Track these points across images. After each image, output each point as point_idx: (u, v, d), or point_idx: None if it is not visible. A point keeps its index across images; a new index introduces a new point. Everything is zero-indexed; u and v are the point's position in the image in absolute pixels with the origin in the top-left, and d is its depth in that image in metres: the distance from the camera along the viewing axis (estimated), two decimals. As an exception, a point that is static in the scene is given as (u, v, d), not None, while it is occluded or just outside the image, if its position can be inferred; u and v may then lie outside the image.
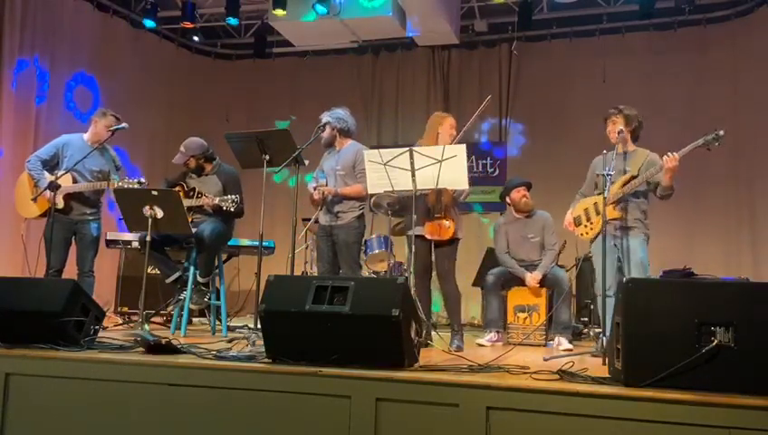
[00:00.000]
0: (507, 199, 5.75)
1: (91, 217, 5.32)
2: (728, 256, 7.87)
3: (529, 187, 5.71)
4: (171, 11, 9.00)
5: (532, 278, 5.36)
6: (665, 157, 4.24)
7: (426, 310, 4.76)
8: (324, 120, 4.98)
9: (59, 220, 5.11)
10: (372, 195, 4.93)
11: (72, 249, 5.32)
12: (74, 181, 5.20)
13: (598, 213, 4.53)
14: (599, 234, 4.45)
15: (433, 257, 4.75)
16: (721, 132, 4.15)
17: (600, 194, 4.52)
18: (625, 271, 4.45)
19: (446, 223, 4.60)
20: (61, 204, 5.12)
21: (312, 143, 4.92)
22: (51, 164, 5.28)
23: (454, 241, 4.72)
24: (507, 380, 2.87)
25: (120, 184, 5.14)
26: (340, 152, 4.97)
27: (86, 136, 5.37)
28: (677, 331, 2.68)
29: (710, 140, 4.17)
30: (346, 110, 5.05)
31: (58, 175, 5.08)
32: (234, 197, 4.91)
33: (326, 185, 4.89)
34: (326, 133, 4.96)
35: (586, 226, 4.68)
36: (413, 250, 4.58)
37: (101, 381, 3.19)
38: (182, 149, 5.24)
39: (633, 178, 4.44)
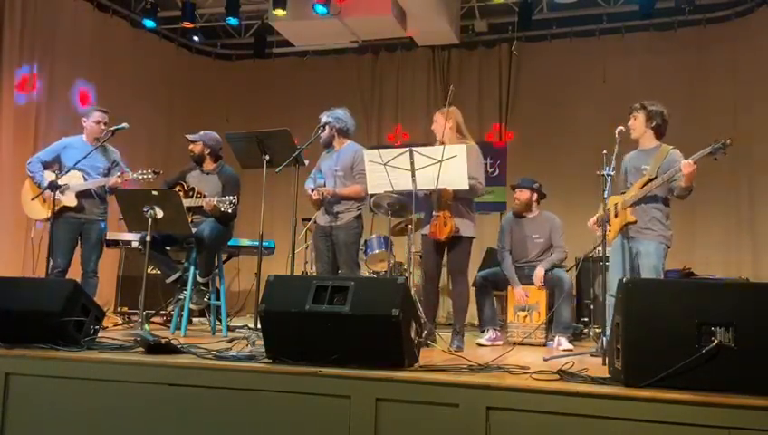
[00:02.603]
0: None
1: (99, 217, 5.36)
2: (728, 256, 7.87)
3: (532, 190, 5.66)
4: (171, 11, 9.00)
5: (519, 294, 5.42)
6: (682, 162, 4.19)
7: (433, 311, 4.76)
8: (324, 121, 4.99)
9: (67, 220, 5.17)
10: (372, 195, 4.93)
11: (77, 250, 5.33)
12: (84, 180, 5.24)
13: (616, 214, 4.51)
14: (616, 235, 4.44)
15: (445, 259, 4.73)
16: (728, 141, 4.11)
17: (622, 193, 4.52)
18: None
19: (444, 221, 4.57)
20: (74, 202, 5.16)
21: (311, 143, 4.93)
22: (53, 167, 5.31)
23: (462, 240, 4.66)
24: (507, 380, 2.87)
25: (135, 175, 5.22)
26: (339, 153, 4.98)
27: (84, 137, 5.42)
28: (677, 331, 2.68)
29: (717, 149, 4.14)
30: (345, 110, 5.06)
31: (59, 175, 5.11)
32: (231, 198, 4.92)
33: (324, 185, 4.90)
34: (325, 133, 4.97)
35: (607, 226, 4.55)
36: (416, 250, 4.57)
37: (101, 381, 3.19)
38: (200, 133, 5.36)
39: (651, 180, 4.38)
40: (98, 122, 5.37)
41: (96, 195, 5.32)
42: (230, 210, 4.93)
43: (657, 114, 4.52)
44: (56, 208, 5.08)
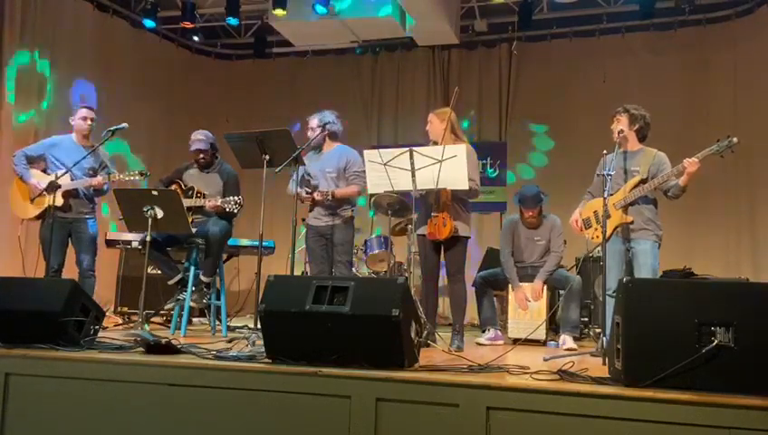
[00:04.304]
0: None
1: (87, 216, 5.35)
2: (728, 256, 7.86)
3: (540, 208, 5.57)
4: (171, 11, 9.00)
5: (519, 298, 5.40)
6: (686, 161, 4.18)
7: (432, 311, 4.76)
8: (322, 121, 5.04)
9: (55, 220, 5.12)
10: (372, 195, 4.96)
11: (71, 250, 5.32)
12: (72, 180, 5.23)
13: (608, 216, 4.51)
14: (609, 237, 4.43)
15: (443, 258, 4.74)
16: (735, 139, 4.10)
17: (610, 195, 4.52)
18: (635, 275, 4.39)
19: (443, 221, 4.56)
20: (60, 202, 5.15)
21: (312, 143, 4.96)
22: (37, 163, 5.30)
23: (460, 240, 4.67)
24: (507, 380, 2.87)
25: (121, 176, 5.23)
26: (328, 154, 5.05)
27: (73, 136, 5.43)
28: (677, 331, 2.68)
29: (723, 147, 4.12)
30: (333, 113, 5.12)
31: (58, 175, 5.11)
32: (236, 198, 4.93)
33: (318, 187, 4.97)
34: (319, 136, 5.02)
35: (596, 228, 4.56)
36: (416, 250, 4.57)
37: (101, 381, 3.19)
38: (200, 136, 5.28)
39: (643, 181, 4.40)
40: (84, 119, 5.39)
41: (83, 195, 5.33)
42: (236, 210, 4.94)
43: (639, 117, 4.53)
44: (44, 208, 5.09)
